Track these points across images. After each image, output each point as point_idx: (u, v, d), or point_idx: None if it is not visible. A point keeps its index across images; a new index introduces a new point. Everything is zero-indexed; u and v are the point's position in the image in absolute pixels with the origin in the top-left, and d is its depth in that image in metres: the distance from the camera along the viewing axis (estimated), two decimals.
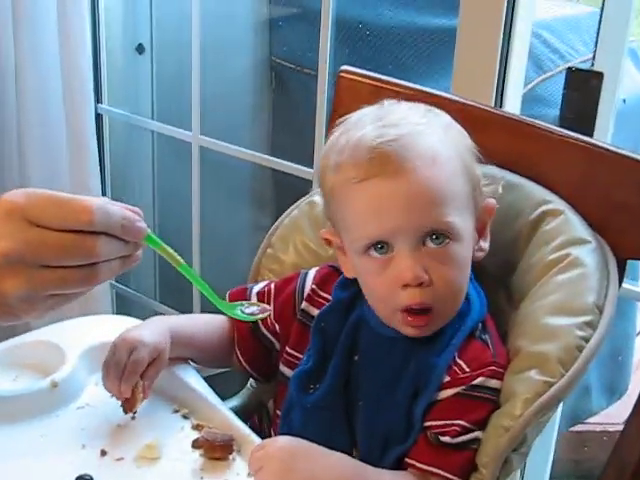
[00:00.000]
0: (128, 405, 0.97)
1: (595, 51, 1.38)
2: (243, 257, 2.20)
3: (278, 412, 1.05)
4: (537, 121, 1.13)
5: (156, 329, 1.01)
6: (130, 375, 0.96)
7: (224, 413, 1.01)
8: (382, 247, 0.92)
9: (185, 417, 1.02)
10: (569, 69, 1.42)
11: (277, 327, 1.07)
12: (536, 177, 1.08)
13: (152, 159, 2.15)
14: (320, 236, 1.04)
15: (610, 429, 2.42)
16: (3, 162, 1.97)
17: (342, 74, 1.26)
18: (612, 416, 2.38)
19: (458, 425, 0.90)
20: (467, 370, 0.92)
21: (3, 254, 0.74)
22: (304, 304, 1.06)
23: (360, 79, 1.25)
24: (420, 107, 0.97)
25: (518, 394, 0.89)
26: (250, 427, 1.02)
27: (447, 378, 0.92)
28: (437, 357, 0.93)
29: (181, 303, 2.15)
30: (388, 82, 1.24)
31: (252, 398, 1.18)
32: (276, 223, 1.20)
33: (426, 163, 0.90)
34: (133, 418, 0.99)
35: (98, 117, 2.06)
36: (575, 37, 1.87)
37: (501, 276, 1.06)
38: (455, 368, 0.93)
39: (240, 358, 1.09)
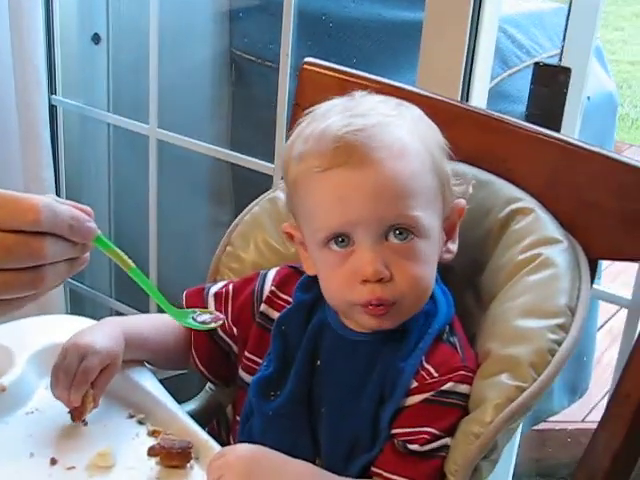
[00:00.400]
0: (77, 413, 0.93)
1: (563, 46, 1.36)
2: (201, 254, 2.17)
3: (237, 418, 1.01)
4: (506, 116, 1.10)
5: (109, 333, 0.96)
6: (80, 383, 0.91)
7: (182, 418, 0.96)
8: (343, 240, 0.88)
9: (141, 423, 0.97)
10: (536, 64, 1.40)
11: (235, 330, 1.03)
12: (505, 174, 1.05)
13: (108, 152, 2.09)
14: (282, 230, 1.00)
15: (570, 427, 2.42)
16: None
17: (305, 66, 1.22)
18: (572, 414, 2.38)
19: (427, 432, 0.87)
20: (435, 375, 0.89)
21: None
22: (263, 306, 1.01)
23: (324, 71, 1.21)
24: (391, 100, 0.94)
25: (488, 399, 0.86)
26: (208, 433, 0.98)
27: (415, 384, 0.89)
28: (403, 361, 0.90)
29: (137, 301, 2.09)
30: (353, 75, 1.20)
31: (210, 402, 1.13)
32: (236, 220, 1.15)
33: (393, 155, 0.86)
34: (85, 424, 0.94)
35: (52, 108, 2.00)
36: (540, 33, 1.85)
37: (469, 276, 1.03)
38: (423, 373, 0.89)
39: (197, 361, 1.04)
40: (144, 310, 2.03)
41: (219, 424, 1.09)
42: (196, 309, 0.95)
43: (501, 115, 1.12)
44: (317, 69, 1.22)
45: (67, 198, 2.12)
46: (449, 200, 0.93)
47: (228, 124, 2.01)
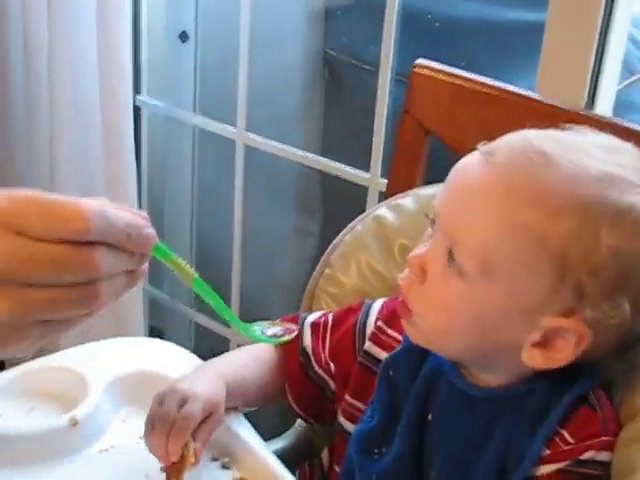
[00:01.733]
0: (174, 471, 0.81)
1: None
2: (287, 264, 2.07)
3: (337, 468, 0.89)
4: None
5: (210, 380, 0.86)
6: (180, 431, 0.80)
7: (273, 466, 0.85)
8: (433, 219, 0.79)
9: (225, 467, 0.86)
10: None
11: (332, 366, 0.91)
12: None
13: (192, 156, 2.00)
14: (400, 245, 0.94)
15: None
16: (34, 157, 1.83)
17: (416, 69, 1.10)
18: None
19: None
20: (571, 441, 0.76)
21: None
22: (367, 344, 0.89)
23: (437, 75, 1.09)
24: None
25: (639, 471, 0.73)
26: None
27: (546, 451, 0.76)
28: (533, 427, 0.76)
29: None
30: (469, 80, 1.08)
31: (302, 441, 1.03)
32: (335, 240, 1.03)
33: (521, 196, 0.72)
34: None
35: (136, 109, 1.92)
36: None
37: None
38: (556, 439, 0.76)
39: (289, 398, 0.93)
40: (224, 322, 1.94)
41: (312, 469, 0.96)
42: (263, 322, 0.84)
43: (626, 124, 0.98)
44: (430, 72, 1.10)
45: (149, 203, 2.04)
46: (575, 312, 0.74)
47: (320, 129, 1.90)
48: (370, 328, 0.89)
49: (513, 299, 0.74)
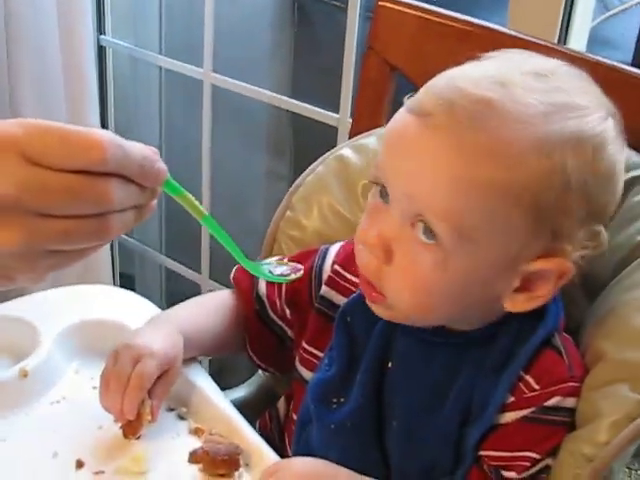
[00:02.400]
0: (130, 429, 0.78)
1: None
2: (257, 207, 2.03)
3: (294, 416, 0.86)
4: (612, 62, 0.93)
5: (166, 333, 0.82)
6: (135, 390, 0.76)
7: (230, 415, 0.82)
8: (382, 195, 0.73)
9: (182, 418, 0.84)
10: None
11: (288, 313, 0.88)
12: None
13: (159, 97, 1.94)
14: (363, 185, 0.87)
15: None
16: None
17: (381, 3, 1.05)
18: None
19: (527, 458, 0.72)
20: (536, 388, 0.73)
21: None
22: (324, 289, 0.86)
23: (403, 9, 1.04)
24: (589, 92, 0.72)
25: (604, 415, 0.71)
26: (260, 430, 0.85)
27: (511, 398, 0.73)
28: (497, 373, 0.74)
29: (189, 256, 1.96)
30: (436, 13, 1.03)
31: (263, 390, 1.00)
32: (297, 181, 0.99)
33: (479, 151, 0.67)
34: (137, 439, 0.79)
35: (101, 49, 1.86)
36: None
37: None
38: (521, 385, 0.73)
39: (248, 347, 0.91)
40: (196, 267, 1.91)
41: (271, 419, 0.94)
42: (271, 260, 0.82)
43: (602, 60, 0.94)
44: (395, 6, 1.05)
45: None
46: (554, 251, 0.71)
47: (289, 70, 1.84)
48: (326, 272, 0.86)
49: (493, 258, 0.70)
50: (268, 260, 0.87)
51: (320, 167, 0.98)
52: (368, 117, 1.08)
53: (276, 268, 0.79)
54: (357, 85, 1.50)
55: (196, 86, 1.75)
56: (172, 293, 2.12)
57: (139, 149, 0.60)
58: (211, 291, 1.89)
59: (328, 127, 1.60)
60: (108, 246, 1.91)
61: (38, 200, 0.57)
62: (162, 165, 0.62)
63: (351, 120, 1.50)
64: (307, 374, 0.85)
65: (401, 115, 0.72)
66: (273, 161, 1.96)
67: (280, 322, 0.89)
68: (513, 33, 1.02)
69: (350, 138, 1.05)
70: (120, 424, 0.79)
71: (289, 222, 0.98)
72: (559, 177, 0.67)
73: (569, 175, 0.68)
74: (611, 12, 1.52)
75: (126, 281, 2.07)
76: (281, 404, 0.93)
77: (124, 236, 2.03)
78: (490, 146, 0.67)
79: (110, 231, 0.60)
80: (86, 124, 1.74)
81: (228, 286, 1.96)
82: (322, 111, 1.59)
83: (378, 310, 0.76)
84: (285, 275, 0.78)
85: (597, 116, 0.70)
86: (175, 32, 1.88)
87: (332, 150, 1.00)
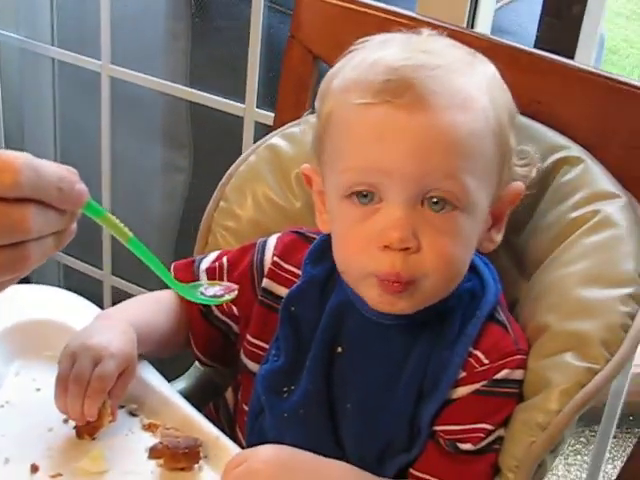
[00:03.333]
0: (88, 429, 0.77)
1: None
2: (157, 201, 2.00)
3: (245, 407, 0.86)
4: (540, 52, 0.97)
5: (121, 331, 0.81)
6: (97, 393, 0.75)
7: (183, 408, 0.82)
8: (366, 195, 0.74)
9: (133, 414, 0.83)
10: None
11: (235, 309, 0.88)
12: (540, 117, 0.92)
13: (53, 91, 1.88)
14: (300, 171, 0.86)
15: None
16: None
17: None
18: None
19: (481, 429, 0.75)
20: (486, 362, 0.76)
21: None
22: (265, 281, 0.86)
23: None
24: (465, 48, 0.80)
25: (553, 384, 0.74)
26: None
27: (462, 373, 0.76)
28: (448, 350, 0.77)
29: (88, 252, 1.92)
30: (357, 2, 1.04)
31: (203, 381, 0.99)
32: (229, 171, 0.99)
33: (454, 104, 0.72)
34: (93, 439, 0.78)
35: None
36: None
37: (504, 233, 0.89)
38: (471, 360, 0.76)
39: (194, 348, 0.90)
40: (96, 263, 1.86)
41: (217, 410, 0.94)
42: (202, 282, 0.80)
43: (532, 50, 0.98)
44: None
45: (6, 146, 1.93)
46: (505, 180, 0.78)
47: (187, 60, 1.82)
48: (267, 265, 0.87)
49: (486, 201, 0.76)
50: (199, 281, 0.86)
51: (252, 157, 0.99)
52: (292, 106, 1.08)
53: (208, 289, 0.78)
54: (261, 75, 1.51)
55: (91, 78, 1.71)
56: (71, 291, 2.07)
57: (56, 170, 0.57)
58: (115, 288, 1.87)
59: (227, 119, 1.59)
60: None
61: None
62: (82, 186, 0.59)
63: (257, 110, 1.53)
64: (253, 366, 0.86)
65: (363, 111, 0.73)
66: (172, 153, 1.94)
67: (226, 319, 0.89)
68: (431, 21, 1.04)
69: (275, 127, 1.06)
70: (74, 425, 0.78)
71: (223, 213, 0.98)
72: (503, 111, 0.77)
73: (505, 107, 0.78)
74: (504, 2, 1.58)
75: (22, 280, 2.00)
76: (229, 395, 0.93)
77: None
78: (463, 102, 0.73)
79: (28, 261, 0.57)
80: None
81: (132, 281, 1.92)
82: (228, 101, 1.58)
83: (399, 305, 0.75)
84: (218, 296, 0.78)
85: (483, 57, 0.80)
86: (67, 23, 1.82)
87: (263, 139, 1.01)
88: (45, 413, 0.80)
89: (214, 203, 0.98)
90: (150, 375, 0.85)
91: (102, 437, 0.79)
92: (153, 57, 1.80)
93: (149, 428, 0.81)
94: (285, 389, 0.82)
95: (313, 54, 1.06)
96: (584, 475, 1.82)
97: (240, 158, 1.00)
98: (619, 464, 1.86)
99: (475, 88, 0.75)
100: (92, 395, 0.74)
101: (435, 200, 0.72)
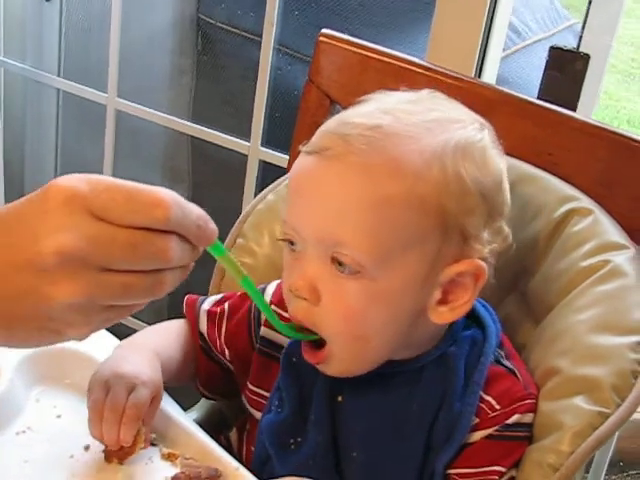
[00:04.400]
0: (118, 454, 0.78)
1: (583, 30, 1.28)
2: None
3: (252, 448, 0.88)
4: (550, 105, 1.01)
5: (148, 359, 0.83)
6: (132, 420, 0.77)
7: (201, 439, 0.83)
8: (293, 243, 0.77)
9: (152, 444, 0.84)
10: (552, 48, 1.31)
11: (227, 353, 0.91)
12: (551, 169, 0.96)
13: (57, 119, 1.91)
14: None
15: None
16: None
17: (322, 39, 1.10)
18: None
19: (495, 472, 0.78)
20: (497, 408, 0.79)
21: (60, 251, 0.58)
22: (263, 330, 0.88)
23: (343, 45, 1.09)
24: (450, 113, 0.79)
25: (565, 426, 0.77)
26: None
27: (475, 419, 0.79)
28: (459, 402, 0.79)
29: None
30: (375, 50, 1.09)
31: (212, 413, 1.01)
32: (247, 208, 1.02)
33: (377, 168, 0.72)
34: (121, 463, 0.80)
35: None
36: (527, 13, 1.76)
37: (513, 280, 0.93)
38: (483, 406, 0.79)
39: (197, 380, 0.93)
40: None
41: (229, 442, 0.95)
42: None
43: (543, 103, 1.03)
44: (334, 42, 1.09)
45: (5, 174, 1.92)
46: (455, 254, 0.76)
47: (190, 97, 1.86)
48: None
49: (413, 272, 0.75)
50: None
51: (270, 195, 1.02)
52: None
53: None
54: (266, 114, 1.55)
55: (96, 109, 1.74)
56: None
57: (195, 209, 0.63)
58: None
59: (229, 154, 1.62)
60: None
61: (104, 255, 0.59)
62: (214, 226, 0.64)
63: (262, 148, 1.56)
64: (257, 414, 0.88)
65: (300, 159, 0.77)
66: (171, 186, 1.96)
67: (222, 359, 0.91)
68: (448, 72, 1.08)
69: (290, 167, 1.08)
70: (103, 449, 0.79)
71: (240, 249, 1.01)
72: (456, 183, 0.74)
73: (464, 179, 0.74)
74: (504, 53, 1.63)
75: None
76: (233, 435, 0.94)
77: None
78: (388, 165, 0.73)
79: (163, 287, 0.62)
80: None
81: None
82: (233, 139, 1.62)
83: (321, 367, 0.79)
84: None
85: (473, 127, 0.78)
86: (73, 54, 1.85)
87: (282, 178, 1.03)
88: (66, 440, 0.81)
89: (232, 239, 1.01)
90: (168, 405, 0.86)
91: (123, 466, 0.80)
92: (158, 91, 1.84)
93: (168, 457, 0.82)
94: (292, 441, 0.84)
95: (330, 98, 1.10)
96: None
97: (259, 196, 1.03)
98: None
99: (419, 155, 0.73)
100: (128, 423, 0.76)
101: (339, 262, 0.74)
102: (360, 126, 0.73)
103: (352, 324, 0.75)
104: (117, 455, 0.79)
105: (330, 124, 0.77)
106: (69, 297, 0.58)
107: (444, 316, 0.78)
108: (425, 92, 0.81)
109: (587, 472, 1.34)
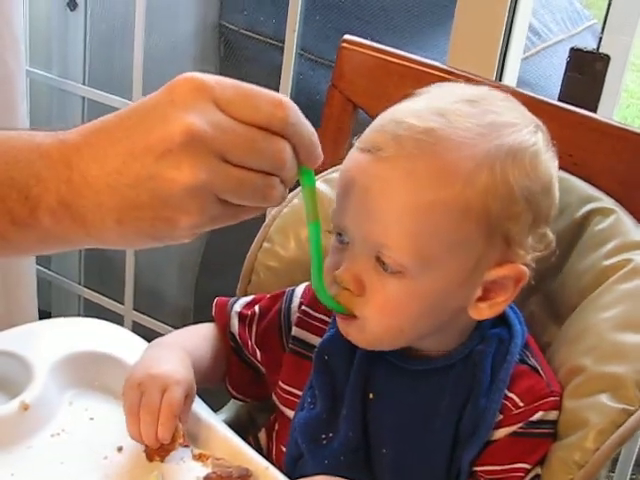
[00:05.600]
0: (159, 452, 0.81)
1: (602, 31, 1.28)
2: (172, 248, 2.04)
3: (283, 448, 0.89)
4: (571, 107, 1.02)
5: (180, 359, 0.84)
6: (169, 419, 0.78)
7: (232, 439, 0.85)
8: (341, 234, 0.78)
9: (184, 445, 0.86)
10: (572, 49, 1.31)
11: (259, 354, 0.92)
12: (572, 169, 0.97)
13: None
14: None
15: None
16: None
17: (344, 45, 1.12)
18: None
19: (520, 469, 0.79)
20: (521, 405, 0.80)
21: (188, 130, 0.59)
22: (295, 330, 0.90)
23: (365, 51, 1.11)
24: (516, 110, 0.80)
25: (590, 424, 0.78)
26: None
27: (499, 416, 0.80)
28: (484, 398, 0.80)
29: (109, 287, 1.95)
30: (396, 55, 1.10)
31: (242, 414, 1.03)
32: (273, 212, 1.04)
33: (424, 172, 0.73)
34: (162, 460, 0.82)
35: None
36: (547, 15, 1.77)
37: (536, 279, 0.93)
38: (507, 403, 0.80)
39: (227, 381, 0.95)
40: (118, 298, 1.89)
41: (258, 443, 0.97)
42: None
43: (563, 104, 1.03)
44: (356, 48, 1.11)
45: None
46: (499, 258, 0.77)
47: None
48: (295, 314, 0.90)
49: (455, 274, 0.76)
50: None
51: (295, 199, 1.03)
52: (331, 152, 1.13)
53: None
54: None
55: None
56: None
57: (310, 125, 0.64)
58: (135, 322, 1.90)
59: None
60: (33, 281, 1.88)
61: (225, 143, 0.60)
62: (321, 152, 0.66)
63: None
64: (289, 412, 0.89)
65: (353, 155, 0.78)
66: None
67: (254, 360, 0.93)
68: (469, 76, 1.09)
69: (315, 173, 1.10)
70: (144, 448, 0.81)
71: (266, 253, 1.02)
72: (503, 188, 0.74)
73: (512, 185, 0.75)
74: (524, 55, 1.63)
75: (44, 316, 2.04)
76: (262, 435, 0.96)
77: (41, 267, 2.00)
78: (438, 170, 0.73)
79: (273, 193, 0.63)
80: None
81: (152, 316, 1.94)
82: None
83: (352, 334, 0.80)
84: None
85: (528, 130, 0.78)
86: (98, 63, 1.88)
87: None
88: (99, 442, 0.83)
89: (258, 243, 1.02)
90: (198, 406, 0.88)
91: (154, 465, 0.82)
92: None
93: (199, 458, 0.84)
94: (324, 436, 0.85)
95: (353, 103, 1.11)
96: None
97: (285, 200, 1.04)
98: None
99: (471, 160, 0.73)
100: (165, 422, 0.78)
101: (382, 261, 0.75)
102: (413, 128, 0.73)
103: (390, 317, 0.77)
104: (158, 453, 0.81)
105: (385, 119, 0.77)
106: (191, 180, 0.59)
107: (483, 312, 0.80)
108: (483, 90, 0.80)
109: (613, 471, 1.35)
